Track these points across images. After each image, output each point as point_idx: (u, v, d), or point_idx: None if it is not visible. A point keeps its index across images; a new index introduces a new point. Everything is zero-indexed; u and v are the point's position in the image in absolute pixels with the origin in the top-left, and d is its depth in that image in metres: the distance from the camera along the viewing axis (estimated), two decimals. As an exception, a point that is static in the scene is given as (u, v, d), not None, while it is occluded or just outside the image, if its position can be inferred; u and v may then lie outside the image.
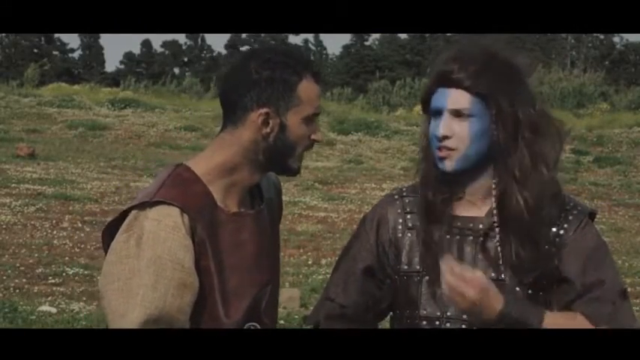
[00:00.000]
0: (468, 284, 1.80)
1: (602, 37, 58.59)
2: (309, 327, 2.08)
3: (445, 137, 1.90)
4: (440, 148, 1.92)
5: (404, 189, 2.09)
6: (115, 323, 1.74)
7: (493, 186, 1.93)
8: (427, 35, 57.94)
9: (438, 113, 1.93)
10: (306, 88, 1.87)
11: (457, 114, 1.90)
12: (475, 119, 1.91)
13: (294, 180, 15.75)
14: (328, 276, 2.23)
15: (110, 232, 1.84)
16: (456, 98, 1.91)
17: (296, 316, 6.55)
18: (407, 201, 2.04)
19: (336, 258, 2.15)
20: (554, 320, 1.87)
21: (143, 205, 1.79)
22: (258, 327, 1.89)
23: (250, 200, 1.94)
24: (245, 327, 1.87)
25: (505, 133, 1.91)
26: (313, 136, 1.90)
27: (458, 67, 1.91)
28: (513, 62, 1.96)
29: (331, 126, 21.87)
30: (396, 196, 2.06)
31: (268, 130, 1.85)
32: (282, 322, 6.60)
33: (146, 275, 1.73)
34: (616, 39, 59.71)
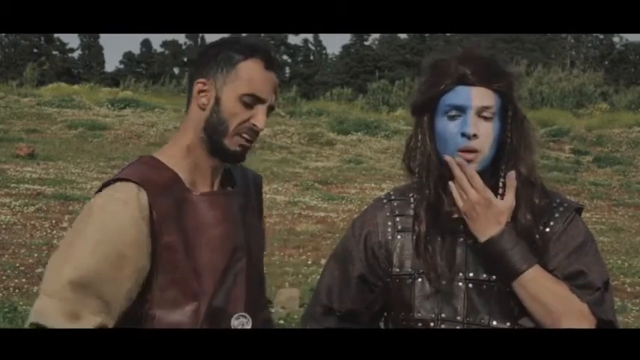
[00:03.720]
0: (472, 186, 1.86)
1: (602, 37, 58.63)
2: (305, 327, 2.08)
3: (475, 136, 1.86)
4: (464, 150, 1.87)
5: (392, 193, 2.08)
6: (47, 278, 1.78)
7: (500, 188, 1.91)
8: (427, 35, 57.95)
9: (458, 110, 1.88)
10: (249, 67, 1.88)
11: (482, 112, 1.87)
12: (496, 120, 1.89)
13: (294, 180, 15.79)
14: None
15: None
16: (481, 95, 1.88)
17: (296, 316, 6.54)
18: (395, 204, 2.03)
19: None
20: (540, 274, 1.86)
21: (102, 187, 1.85)
22: (248, 317, 1.88)
23: (221, 184, 1.96)
24: (235, 317, 1.87)
25: (517, 135, 1.92)
26: (253, 120, 1.89)
27: (478, 65, 1.88)
28: (511, 67, 1.99)
29: (331, 126, 21.89)
30: (385, 200, 2.06)
31: (205, 100, 1.88)
32: (282, 322, 6.60)
33: (88, 241, 1.77)
34: (616, 39, 59.78)
